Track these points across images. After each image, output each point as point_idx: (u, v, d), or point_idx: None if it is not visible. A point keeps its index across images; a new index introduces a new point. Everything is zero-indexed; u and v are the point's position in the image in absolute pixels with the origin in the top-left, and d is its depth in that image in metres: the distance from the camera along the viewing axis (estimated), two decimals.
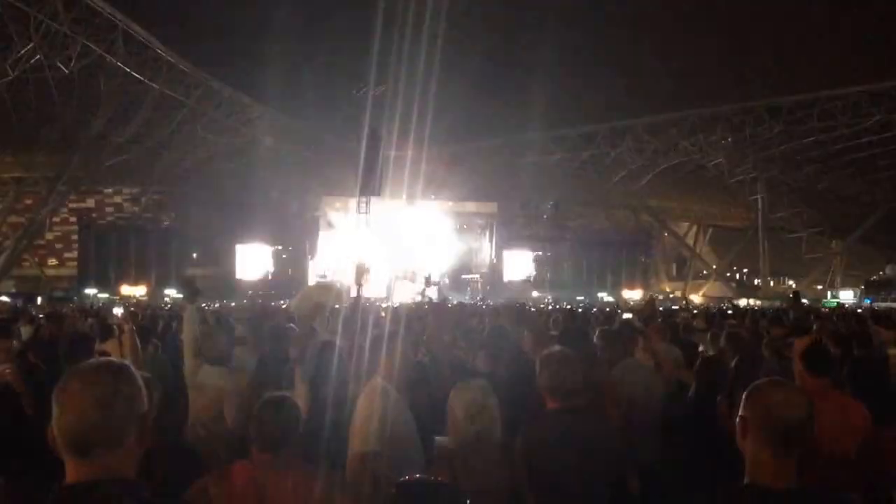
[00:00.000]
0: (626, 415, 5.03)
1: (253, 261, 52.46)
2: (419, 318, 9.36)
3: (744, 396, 2.35)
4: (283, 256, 54.42)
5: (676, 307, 27.12)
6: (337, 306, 9.45)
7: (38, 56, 37.66)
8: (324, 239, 54.18)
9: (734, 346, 6.26)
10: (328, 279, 29.85)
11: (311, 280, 50.04)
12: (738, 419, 2.32)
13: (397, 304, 20.18)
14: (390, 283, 50.90)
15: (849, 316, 17.09)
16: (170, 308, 23.49)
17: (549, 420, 3.80)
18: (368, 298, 22.95)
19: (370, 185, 43.55)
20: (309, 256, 53.67)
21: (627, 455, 3.97)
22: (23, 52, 37.23)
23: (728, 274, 64.22)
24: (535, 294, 53.00)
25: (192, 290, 6.10)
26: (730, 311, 18.93)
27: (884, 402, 4.33)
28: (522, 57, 61.59)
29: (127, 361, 2.03)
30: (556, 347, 4.18)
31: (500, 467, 3.49)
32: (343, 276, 49.45)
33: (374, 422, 3.81)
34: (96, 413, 1.79)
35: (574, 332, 6.45)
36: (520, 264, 58.73)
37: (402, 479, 2.48)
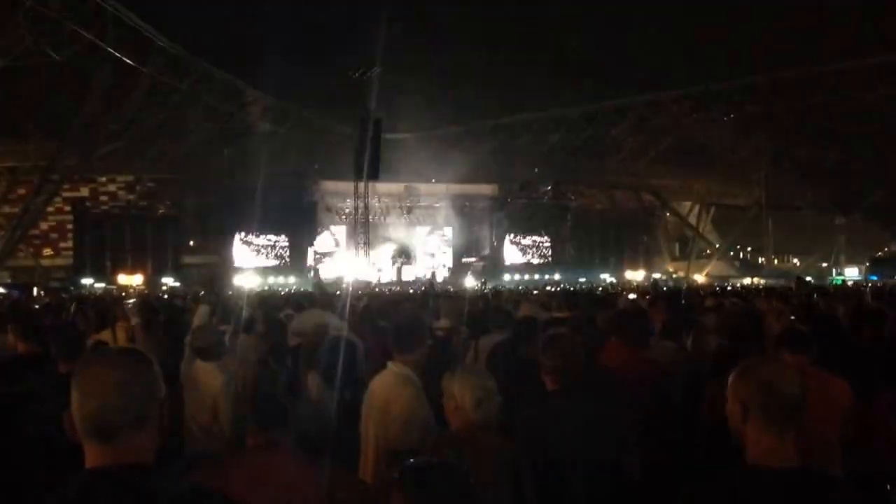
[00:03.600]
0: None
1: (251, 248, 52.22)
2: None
3: (736, 379, 2.32)
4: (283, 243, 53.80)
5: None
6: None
7: (27, 43, 37.10)
8: (323, 224, 53.94)
9: (723, 325, 5.98)
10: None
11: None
12: (733, 404, 2.29)
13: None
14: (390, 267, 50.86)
15: (851, 294, 16.69)
16: (168, 298, 22.97)
17: (547, 401, 3.86)
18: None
19: (368, 169, 43.16)
20: (308, 242, 53.36)
21: (629, 437, 3.86)
22: (12, 38, 36.65)
23: (731, 253, 63.73)
24: (535, 276, 52.57)
25: (208, 288, 6.07)
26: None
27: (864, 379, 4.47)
28: (520, 37, 60.93)
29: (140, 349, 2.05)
30: (558, 329, 4.26)
31: (504, 452, 3.45)
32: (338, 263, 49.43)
33: (413, 415, 3.81)
34: (118, 396, 1.80)
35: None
36: (521, 246, 58.32)
37: (406, 462, 2.37)
